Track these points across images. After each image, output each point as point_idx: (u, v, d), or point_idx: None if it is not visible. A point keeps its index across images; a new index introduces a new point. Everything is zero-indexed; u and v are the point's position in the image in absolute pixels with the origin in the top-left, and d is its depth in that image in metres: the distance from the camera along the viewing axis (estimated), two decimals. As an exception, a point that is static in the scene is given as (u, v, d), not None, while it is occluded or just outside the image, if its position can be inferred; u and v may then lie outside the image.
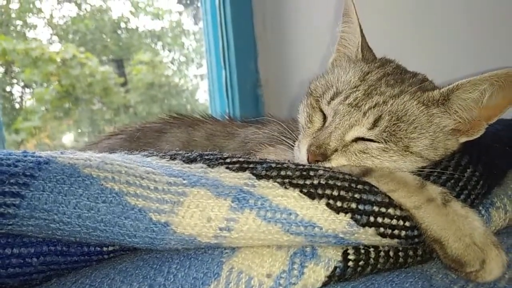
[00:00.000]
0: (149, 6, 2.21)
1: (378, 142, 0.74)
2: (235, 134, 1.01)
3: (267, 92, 2.09)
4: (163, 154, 0.68)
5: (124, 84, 2.13)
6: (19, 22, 1.92)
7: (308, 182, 0.61)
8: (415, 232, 0.62)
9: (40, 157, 0.59)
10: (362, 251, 0.62)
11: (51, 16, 1.98)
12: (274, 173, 0.62)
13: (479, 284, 0.60)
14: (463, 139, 0.77)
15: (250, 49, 2.06)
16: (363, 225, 0.60)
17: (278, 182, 0.61)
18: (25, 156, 0.58)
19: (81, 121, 2.06)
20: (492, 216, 0.70)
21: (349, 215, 0.59)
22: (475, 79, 0.71)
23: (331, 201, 0.60)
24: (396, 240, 0.61)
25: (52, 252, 0.59)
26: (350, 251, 0.61)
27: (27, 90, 2.00)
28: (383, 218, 0.61)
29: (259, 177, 0.62)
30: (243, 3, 2.02)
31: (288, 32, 1.95)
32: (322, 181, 0.61)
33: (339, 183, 0.62)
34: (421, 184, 0.66)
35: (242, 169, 0.63)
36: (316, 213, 0.59)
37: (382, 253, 0.62)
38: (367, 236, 0.60)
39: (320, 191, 0.60)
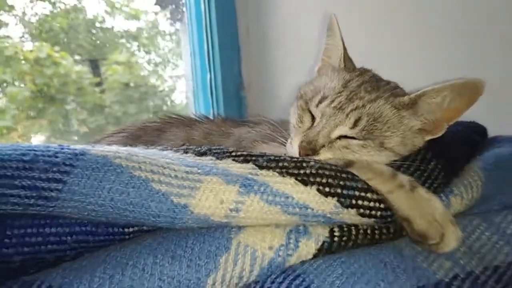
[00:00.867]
0: (125, 6, 2.17)
1: (358, 139, 0.82)
2: (229, 133, 1.08)
3: (250, 94, 2.15)
4: (177, 149, 0.76)
5: (99, 84, 2.09)
6: (-11, 19, 1.82)
7: (301, 171, 0.69)
8: (388, 213, 0.70)
9: (75, 149, 0.66)
10: (345, 229, 0.70)
11: (24, 13, 1.90)
12: (273, 164, 0.70)
13: (439, 255, 0.69)
14: (428, 137, 0.85)
15: (234, 53, 2.12)
16: (347, 207, 0.68)
17: (277, 172, 0.69)
18: (62, 149, 0.66)
19: (55, 121, 2.00)
20: (452, 202, 0.77)
21: (335, 198, 0.68)
22: (438, 87, 0.79)
23: (320, 187, 0.68)
24: (373, 219, 0.70)
25: (83, 232, 0.67)
26: (336, 229, 0.69)
27: (-1, 89, 1.89)
28: (363, 201, 0.69)
29: (261, 167, 0.69)
30: (227, 9, 2.08)
31: (270, 37, 2.02)
32: (313, 171, 0.69)
33: (327, 172, 0.70)
34: (393, 173, 0.74)
35: (246, 161, 0.71)
36: (309, 197, 0.67)
37: (361, 231, 0.70)
38: (350, 216, 0.69)
39: (311, 179, 0.68)
